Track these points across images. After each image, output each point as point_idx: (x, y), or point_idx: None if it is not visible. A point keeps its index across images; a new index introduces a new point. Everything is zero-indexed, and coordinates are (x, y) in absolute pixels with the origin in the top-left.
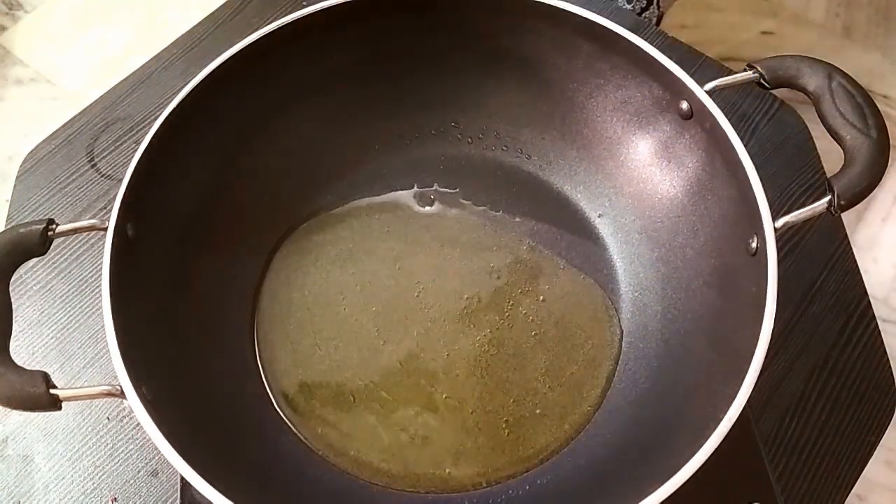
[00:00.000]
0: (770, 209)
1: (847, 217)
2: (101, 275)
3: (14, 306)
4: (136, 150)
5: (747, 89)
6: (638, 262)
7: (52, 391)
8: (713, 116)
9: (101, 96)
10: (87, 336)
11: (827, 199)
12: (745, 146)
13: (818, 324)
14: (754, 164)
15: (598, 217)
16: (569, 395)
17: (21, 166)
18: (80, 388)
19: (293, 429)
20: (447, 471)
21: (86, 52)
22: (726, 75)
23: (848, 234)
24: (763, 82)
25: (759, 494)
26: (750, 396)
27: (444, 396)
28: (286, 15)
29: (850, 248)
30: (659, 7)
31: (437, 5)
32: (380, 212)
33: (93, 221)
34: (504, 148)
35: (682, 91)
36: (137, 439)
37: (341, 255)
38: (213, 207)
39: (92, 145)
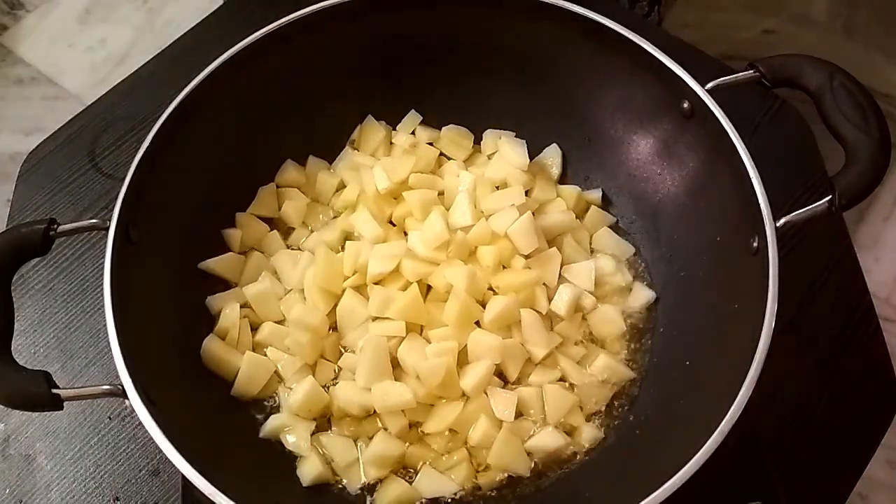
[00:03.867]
0: (771, 208)
1: (848, 216)
2: (102, 274)
3: (16, 306)
4: (137, 150)
5: (748, 88)
6: (638, 262)
7: (54, 391)
8: (714, 116)
9: (103, 95)
10: (88, 335)
11: (828, 198)
12: (747, 145)
13: (819, 323)
14: (755, 163)
15: None
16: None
17: (22, 166)
18: (81, 387)
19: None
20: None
21: (87, 51)
22: (727, 74)
23: (850, 233)
24: (764, 81)
25: (760, 493)
26: (751, 395)
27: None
28: (286, 15)
29: (852, 248)
30: (659, 12)
31: (437, 5)
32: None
33: (94, 221)
34: None
35: (683, 90)
36: (139, 439)
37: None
38: (214, 206)
39: (93, 144)
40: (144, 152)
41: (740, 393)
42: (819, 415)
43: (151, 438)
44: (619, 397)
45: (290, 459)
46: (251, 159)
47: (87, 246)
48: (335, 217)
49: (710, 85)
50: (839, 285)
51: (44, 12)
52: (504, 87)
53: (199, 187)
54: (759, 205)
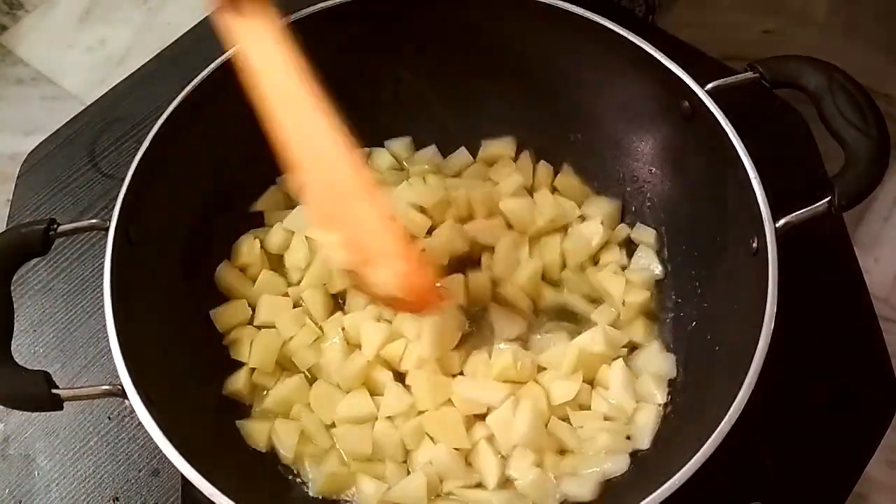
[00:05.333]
0: (771, 209)
1: (848, 216)
2: (102, 274)
3: (15, 306)
4: (137, 150)
5: (748, 89)
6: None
7: (54, 391)
8: (714, 117)
9: (102, 96)
10: (88, 335)
11: (828, 199)
12: (746, 146)
13: (819, 323)
14: (755, 164)
15: None
16: None
17: (22, 166)
18: (81, 387)
19: None
20: None
21: (87, 51)
22: (727, 75)
23: (850, 233)
24: (764, 82)
25: (760, 494)
26: (751, 396)
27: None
28: (285, 16)
29: (852, 248)
30: (653, 17)
31: (436, 6)
32: None
33: (94, 221)
34: None
35: (683, 91)
36: (138, 439)
37: None
38: (214, 206)
39: (93, 145)
40: (144, 152)
41: (740, 393)
42: (819, 415)
43: (151, 438)
44: None
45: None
46: (251, 159)
47: (87, 246)
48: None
49: (709, 86)
50: (839, 285)
51: (43, 12)
52: (501, 90)
53: (200, 187)
54: (758, 206)
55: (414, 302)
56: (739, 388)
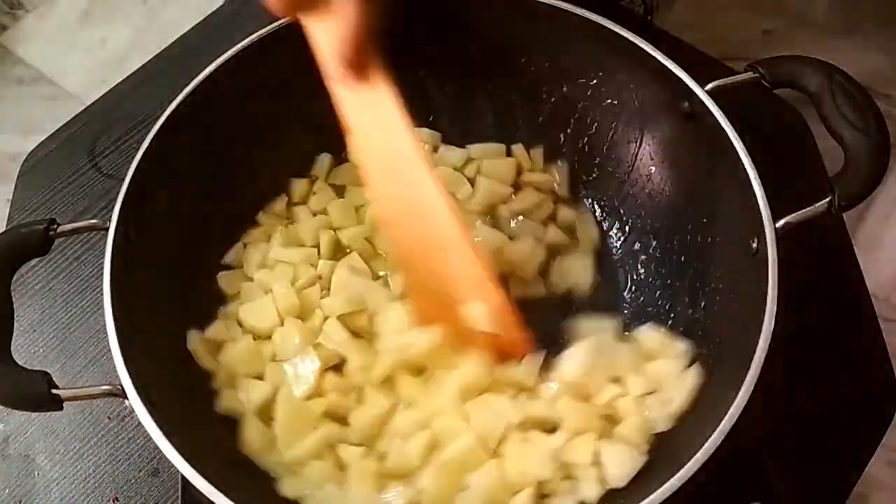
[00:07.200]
0: (770, 209)
1: (848, 216)
2: (102, 274)
3: (15, 306)
4: (137, 150)
5: (748, 89)
6: (639, 263)
7: (54, 391)
8: (714, 117)
9: (102, 96)
10: (88, 335)
11: (827, 199)
12: (746, 146)
13: (819, 323)
14: (755, 164)
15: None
16: None
17: (22, 166)
18: (81, 387)
19: None
20: None
21: (87, 51)
22: (727, 75)
23: (850, 233)
24: (764, 83)
25: (760, 494)
26: (750, 396)
27: None
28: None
29: (852, 248)
30: (651, 12)
31: (432, 5)
32: None
33: (94, 221)
34: None
35: (682, 91)
36: (138, 439)
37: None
38: (214, 206)
39: (93, 145)
40: (144, 152)
41: (740, 393)
42: (819, 415)
43: (151, 438)
44: None
45: None
46: (253, 159)
47: (86, 246)
48: None
49: (709, 86)
50: (839, 285)
51: (43, 12)
52: (499, 89)
53: (200, 187)
54: (758, 206)
55: (502, 344)
56: (740, 388)
